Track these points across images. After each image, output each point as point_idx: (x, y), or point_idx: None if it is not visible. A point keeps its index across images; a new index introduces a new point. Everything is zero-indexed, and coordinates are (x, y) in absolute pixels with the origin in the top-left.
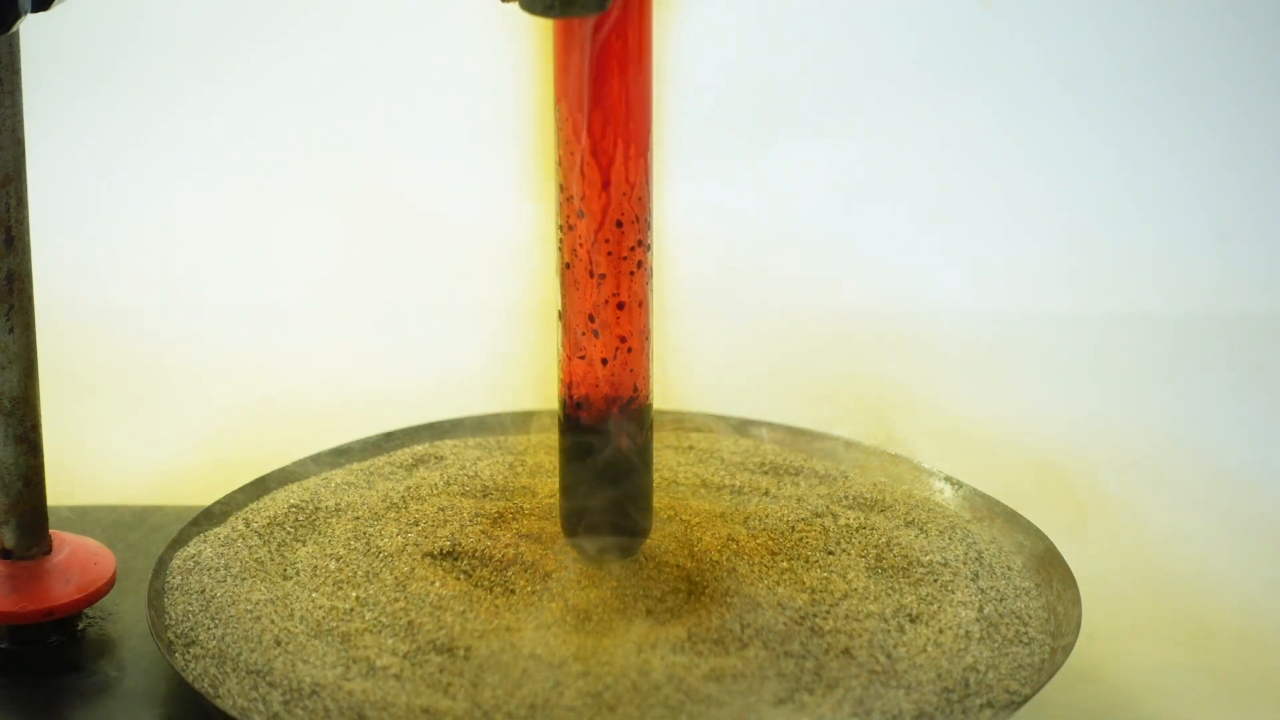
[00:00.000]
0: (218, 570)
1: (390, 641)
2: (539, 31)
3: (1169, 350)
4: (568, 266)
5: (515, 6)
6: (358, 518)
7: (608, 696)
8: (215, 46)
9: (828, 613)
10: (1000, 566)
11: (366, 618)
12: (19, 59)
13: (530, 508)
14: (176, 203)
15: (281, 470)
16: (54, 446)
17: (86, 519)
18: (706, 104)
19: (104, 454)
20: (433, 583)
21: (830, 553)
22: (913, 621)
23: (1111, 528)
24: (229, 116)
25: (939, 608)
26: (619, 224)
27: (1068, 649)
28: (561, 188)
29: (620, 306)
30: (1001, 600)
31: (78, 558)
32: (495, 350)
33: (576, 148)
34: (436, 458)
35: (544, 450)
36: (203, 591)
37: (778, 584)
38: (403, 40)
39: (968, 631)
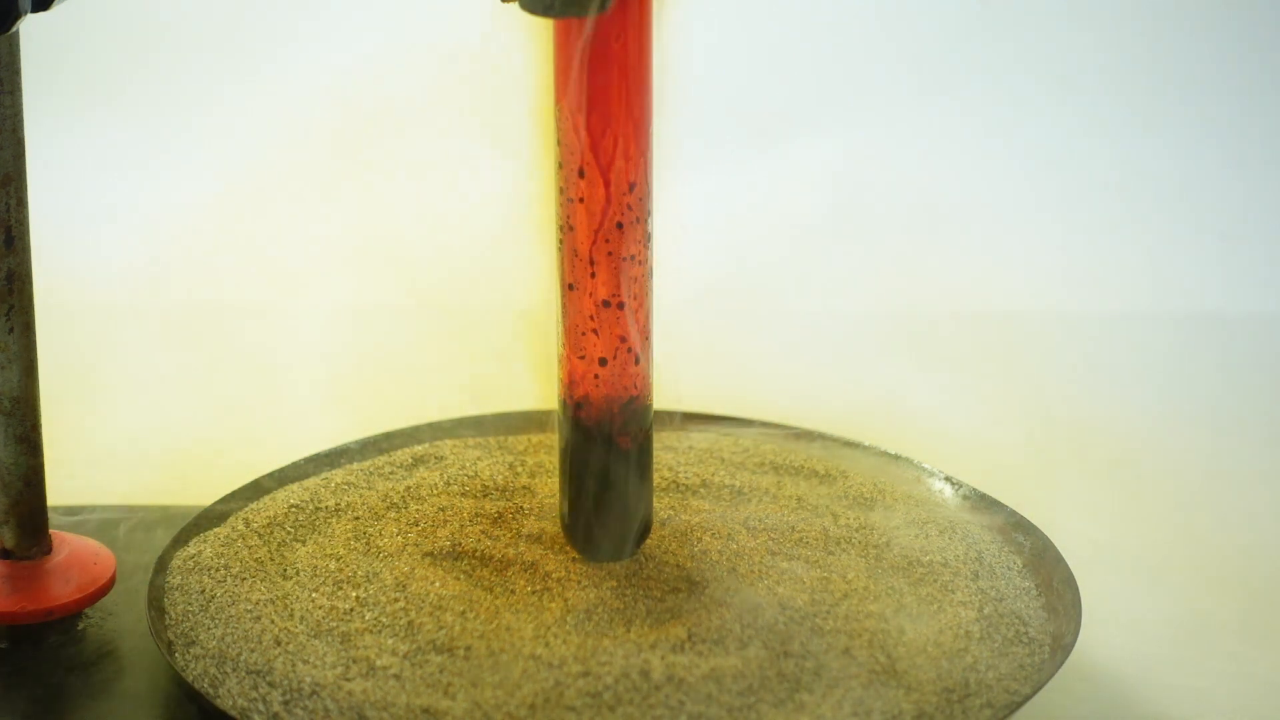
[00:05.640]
0: (218, 570)
1: (390, 641)
2: (539, 31)
3: (1169, 350)
4: (568, 266)
5: (515, 6)
6: (358, 518)
7: (608, 696)
8: (215, 46)
9: (828, 613)
10: (1000, 566)
11: (366, 618)
12: (19, 59)
13: (530, 508)
14: (177, 203)
15: (280, 470)
16: (54, 446)
17: (86, 519)
18: (707, 104)
19: (104, 454)
20: (433, 583)
21: (830, 553)
22: (913, 621)
23: (1111, 528)
24: (229, 116)
25: (939, 608)
26: (619, 225)
27: (1068, 649)
28: (561, 189)
29: (620, 306)
30: (1001, 600)
31: (78, 558)
32: (495, 350)
33: (576, 148)
34: (436, 458)
35: (544, 450)
36: (203, 591)
37: (778, 584)
38: (402, 41)
39: (968, 631)
